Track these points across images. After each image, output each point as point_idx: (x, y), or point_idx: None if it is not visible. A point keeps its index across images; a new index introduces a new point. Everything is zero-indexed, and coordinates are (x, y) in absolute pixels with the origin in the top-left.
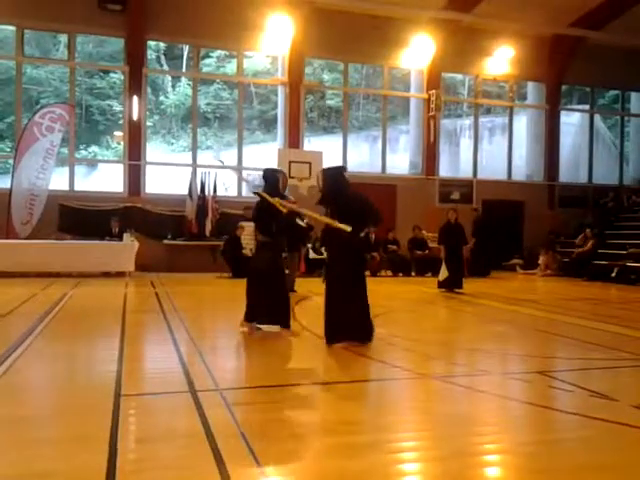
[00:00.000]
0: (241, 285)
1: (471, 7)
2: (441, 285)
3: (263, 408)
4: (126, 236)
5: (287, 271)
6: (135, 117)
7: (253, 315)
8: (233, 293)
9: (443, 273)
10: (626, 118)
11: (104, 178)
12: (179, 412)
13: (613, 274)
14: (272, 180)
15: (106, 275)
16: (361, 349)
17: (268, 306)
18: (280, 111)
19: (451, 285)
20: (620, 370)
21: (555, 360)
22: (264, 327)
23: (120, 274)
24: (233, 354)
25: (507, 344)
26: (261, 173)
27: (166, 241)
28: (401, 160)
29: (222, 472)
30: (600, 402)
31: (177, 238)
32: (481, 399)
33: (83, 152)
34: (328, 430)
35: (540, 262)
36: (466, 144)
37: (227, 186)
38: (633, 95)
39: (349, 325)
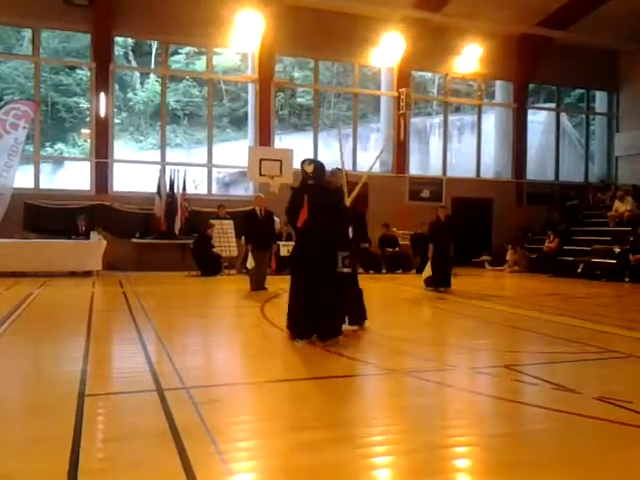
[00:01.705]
0: (209, 283)
1: (440, 6)
2: (427, 284)
3: (230, 406)
4: (93, 235)
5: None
6: (102, 114)
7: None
8: (202, 292)
9: (427, 271)
10: (591, 117)
11: (70, 176)
12: (145, 411)
13: (579, 270)
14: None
15: (73, 274)
16: (330, 345)
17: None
18: (250, 109)
19: (438, 284)
20: (584, 363)
21: (521, 354)
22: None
23: (87, 273)
24: (201, 353)
25: (475, 339)
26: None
27: (134, 240)
28: (372, 158)
29: (188, 471)
30: (564, 395)
31: (146, 237)
32: (449, 393)
33: (49, 149)
34: (296, 426)
35: (508, 258)
36: (436, 142)
37: (197, 184)
38: (598, 94)
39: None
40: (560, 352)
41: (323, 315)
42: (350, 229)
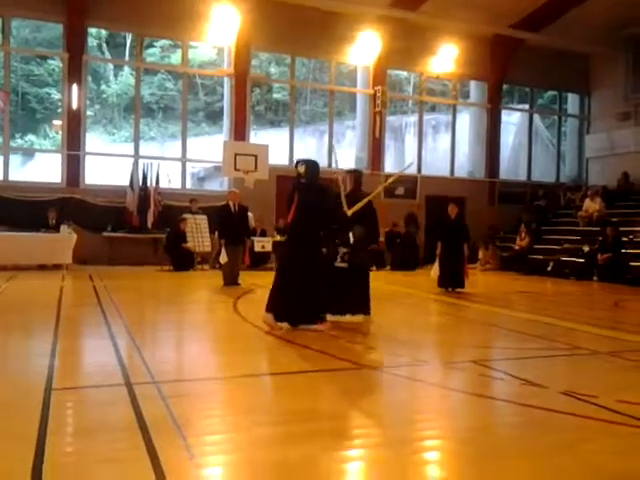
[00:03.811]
0: (182, 278)
1: (416, 5)
2: (438, 284)
3: (200, 400)
4: (63, 228)
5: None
6: (74, 106)
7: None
8: (174, 286)
9: (435, 271)
10: (563, 118)
11: (41, 168)
12: (113, 405)
13: (549, 268)
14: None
15: (42, 268)
16: (303, 340)
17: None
18: (226, 103)
19: (448, 284)
20: (551, 359)
21: (490, 350)
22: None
23: (57, 267)
24: (171, 347)
25: (445, 335)
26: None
27: (106, 233)
28: (347, 155)
29: (156, 465)
30: (531, 389)
31: (117, 230)
32: (419, 388)
33: (19, 141)
34: (266, 420)
35: (480, 256)
36: (411, 141)
37: (170, 178)
38: (570, 96)
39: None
40: (528, 348)
41: (302, 303)
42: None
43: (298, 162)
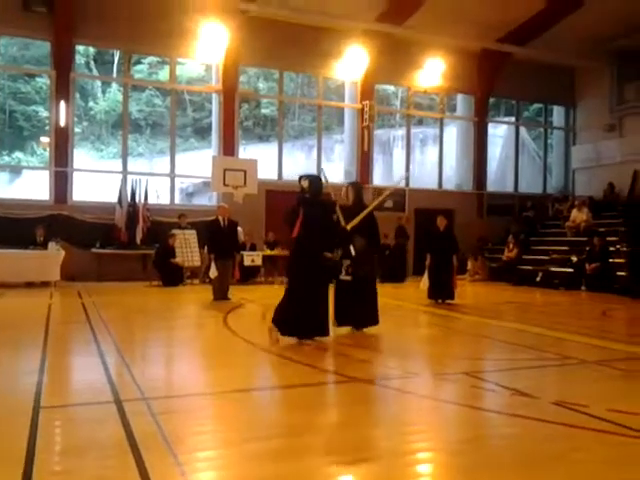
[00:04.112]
0: (171, 293)
1: (402, 20)
2: (429, 295)
3: (190, 416)
4: (51, 245)
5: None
6: (62, 123)
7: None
8: (163, 302)
9: (425, 282)
10: (549, 130)
11: (29, 185)
12: (102, 423)
13: (538, 279)
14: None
15: (30, 285)
16: (293, 354)
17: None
18: (214, 119)
19: (438, 295)
20: (542, 369)
21: (481, 361)
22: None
23: (45, 284)
24: (161, 363)
25: (436, 347)
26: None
27: (94, 250)
28: (336, 169)
29: None
30: (522, 400)
31: (106, 247)
32: (411, 400)
33: (6, 158)
34: (257, 436)
35: (469, 268)
36: (399, 154)
37: (159, 194)
38: (555, 109)
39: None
40: (519, 359)
41: (305, 315)
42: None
43: (301, 177)
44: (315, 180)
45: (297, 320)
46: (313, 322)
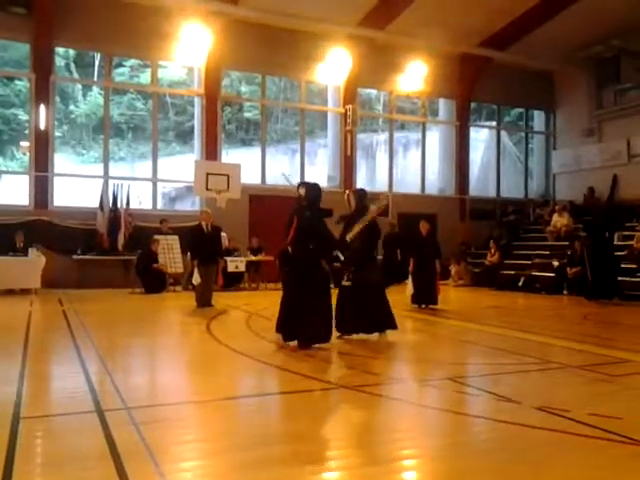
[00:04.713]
0: (154, 300)
1: (385, 24)
2: (412, 301)
3: (173, 426)
4: (31, 251)
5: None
6: (42, 126)
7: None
8: (146, 309)
9: (409, 288)
10: (530, 135)
11: (8, 190)
12: (84, 433)
13: (520, 283)
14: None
15: (10, 293)
16: (278, 362)
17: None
18: (197, 123)
19: (422, 300)
20: (525, 374)
21: (465, 366)
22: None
23: (25, 291)
24: (143, 372)
25: (420, 352)
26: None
27: (75, 256)
28: (319, 173)
29: None
30: (505, 405)
31: (87, 253)
32: (395, 406)
33: None
34: (242, 445)
35: (452, 272)
36: (382, 158)
37: (141, 199)
38: (536, 113)
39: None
40: (502, 363)
41: (305, 323)
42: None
43: (299, 185)
44: (312, 188)
45: (293, 326)
46: (310, 328)
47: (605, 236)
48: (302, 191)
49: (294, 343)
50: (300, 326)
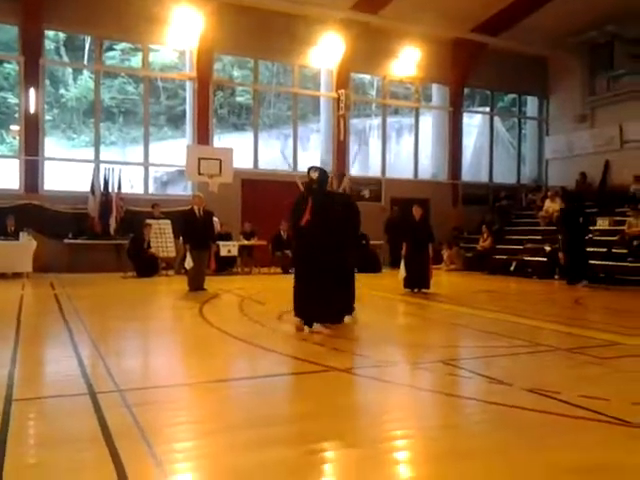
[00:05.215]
0: (146, 284)
1: (378, 9)
2: (404, 285)
3: (166, 407)
4: (22, 235)
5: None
6: (32, 110)
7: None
8: (138, 293)
9: (401, 272)
10: (523, 121)
11: None
12: (76, 415)
13: (512, 268)
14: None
15: (1, 277)
16: (270, 344)
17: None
18: (189, 107)
19: (414, 285)
20: (516, 357)
21: (457, 349)
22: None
23: (17, 275)
24: (136, 355)
25: (412, 335)
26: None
27: (67, 240)
28: (312, 158)
29: (121, 474)
30: (497, 387)
31: (79, 237)
32: (388, 389)
33: None
34: (235, 426)
35: (445, 257)
36: (375, 143)
37: (132, 183)
38: (529, 99)
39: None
40: (494, 346)
41: (325, 303)
42: None
43: (310, 169)
44: (323, 172)
45: (305, 306)
46: (321, 308)
47: (579, 222)
48: (315, 175)
49: (316, 326)
50: (325, 306)
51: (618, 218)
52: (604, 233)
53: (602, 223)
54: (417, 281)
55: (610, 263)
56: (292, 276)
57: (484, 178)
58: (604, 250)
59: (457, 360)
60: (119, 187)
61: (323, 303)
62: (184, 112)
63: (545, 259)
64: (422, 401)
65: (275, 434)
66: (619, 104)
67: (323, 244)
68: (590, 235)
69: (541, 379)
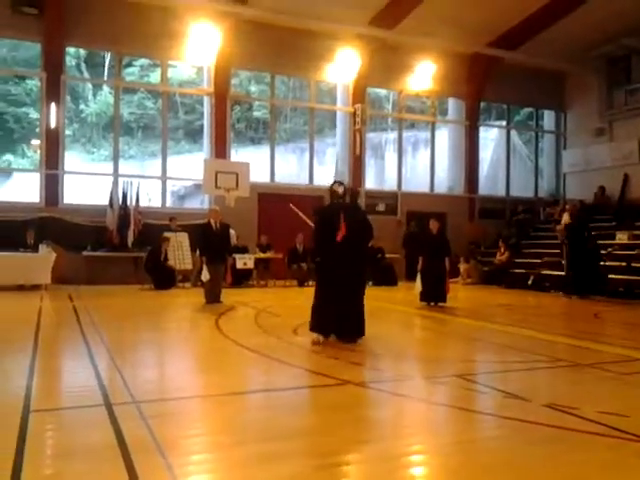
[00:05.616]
0: (163, 296)
1: (394, 24)
2: (420, 298)
3: (181, 419)
4: (42, 247)
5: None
6: (53, 125)
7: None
8: (155, 305)
9: (417, 286)
10: (540, 134)
11: (19, 188)
12: (93, 426)
13: (529, 282)
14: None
15: (20, 288)
16: (285, 357)
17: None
18: (206, 121)
19: (431, 298)
20: (533, 372)
21: (474, 364)
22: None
23: (35, 287)
24: (152, 367)
25: (429, 349)
26: None
27: (85, 252)
28: (328, 172)
29: None
30: (514, 402)
31: (97, 249)
32: (403, 403)
33: None
34: (250, 439)
35: (461, 271)
36: (391, 157)
37: (150, 196)
38: (546, 113)
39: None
40: (511, 361)
41: (350, 318)
42: None
43: (334, 183)
44: (346, 186)
45: (326, 324)
46: (341, 324)
47: (584, 236)
48: (340, 189)
49: (333, 338)
50: (346, 322)
51: (637, 232)
52: (623, 247)
53: (621, 237)
54: (434, 295)
55: (629, 277)
56: (307, 289)
57: (501, 192)
58: (623, 264)
59: (473, 375)
60: (137, 200)
61: (343, 319)
62: (202, 127)
63: (563, 273)
64: (438, 416)
65: (290, 448)
66: (637, 118)
67: (351, 259)
68: (610, 249)
69: (558, 394)
